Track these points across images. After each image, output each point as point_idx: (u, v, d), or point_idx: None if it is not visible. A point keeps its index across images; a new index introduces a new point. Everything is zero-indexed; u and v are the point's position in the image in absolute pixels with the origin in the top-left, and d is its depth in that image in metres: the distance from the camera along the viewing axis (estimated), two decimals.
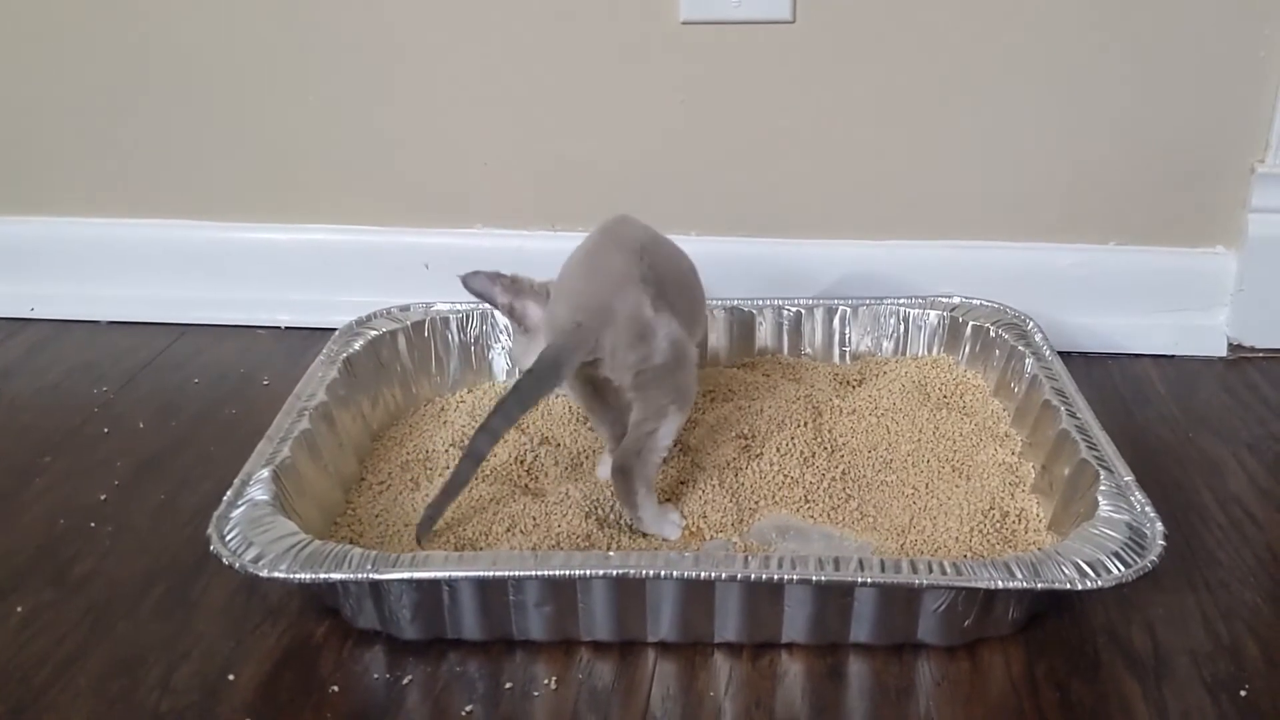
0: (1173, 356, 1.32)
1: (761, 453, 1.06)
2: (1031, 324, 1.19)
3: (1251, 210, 1.27)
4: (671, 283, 0.97)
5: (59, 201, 1.46)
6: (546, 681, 0.84)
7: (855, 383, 1.20)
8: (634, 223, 1.03)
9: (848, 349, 1.26)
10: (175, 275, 1.46)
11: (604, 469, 1.03)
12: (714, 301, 1.24)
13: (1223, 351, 1.32)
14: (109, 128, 1.41)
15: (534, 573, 0.82)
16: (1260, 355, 1.31)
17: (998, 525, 0.96)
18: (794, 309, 1.26)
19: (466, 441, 1.07)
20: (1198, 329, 1.32)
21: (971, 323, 1.21)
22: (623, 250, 0.96)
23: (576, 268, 1.00)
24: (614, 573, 0.82)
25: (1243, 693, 0.82)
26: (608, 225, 1.02)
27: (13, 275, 1.48)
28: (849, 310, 1.25)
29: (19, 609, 0.93)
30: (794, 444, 1.07)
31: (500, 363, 1.24)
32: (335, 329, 1.20)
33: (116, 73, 1.38)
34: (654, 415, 0.95)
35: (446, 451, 1.08)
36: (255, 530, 0.87)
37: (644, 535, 0.97)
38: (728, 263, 1.36)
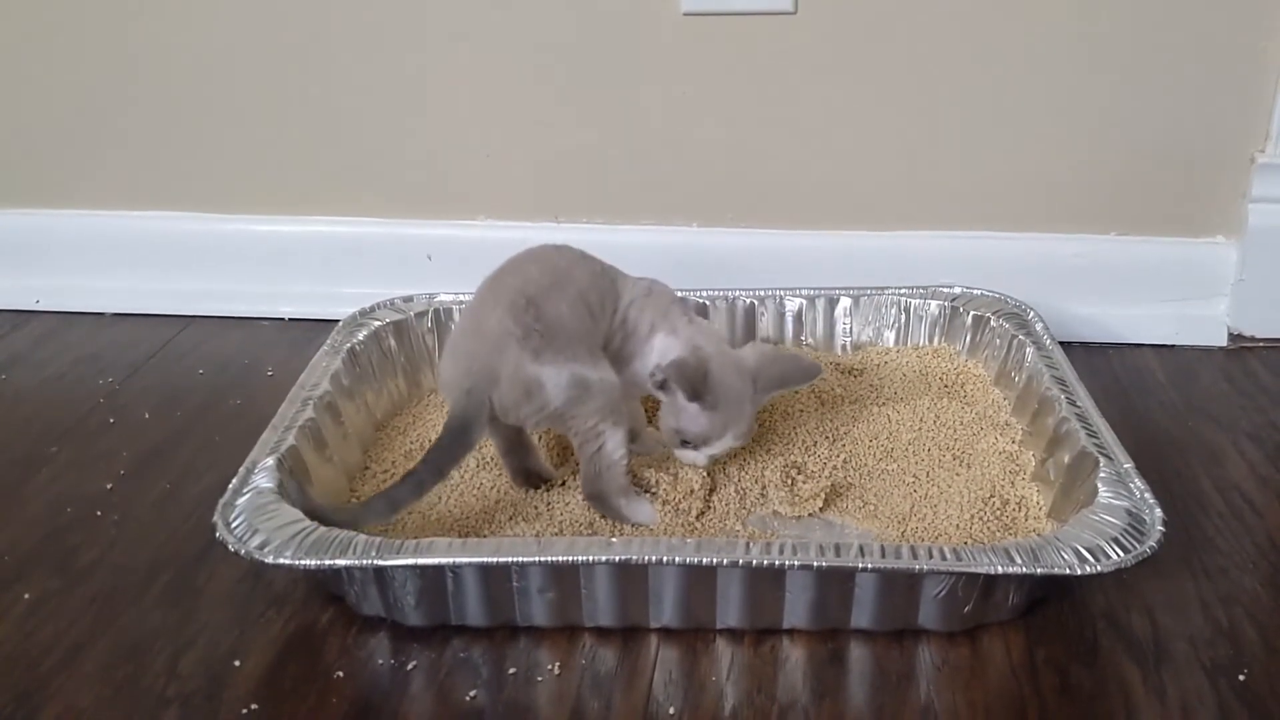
0: (1173, 346, 1.33)
1: (764, 441, 1.07)
2: (1032, 314, 1.19)
3: (1252, 200, 1.28)
4: (567, 327, 0.96)
5: (63, 195, 1.47)
6: (550, 667, 0.85)
7: (857, 372, 1.21)
8: (533, 262, 1.01)
9: (849, 339, 1.26)
10: (179, 267, 1.46)
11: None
12: (716, 293, 1.25)
13: (1223, 341, 1.32)
14: (112, 121, 1.42)
15: (537, 559, 0.83)
16: (1260, 345, 1.32)
17: (998, 513, 0.97)
18: (796, 299, 1.26)
19: None
20: (1198, 319, 1.33)
21: (972, 312, 1.22)
22: (503, 305, 0.95)
23: (464, 324, 1.02)
24: (616, 559, 0.82)
25: (1241, 677, 0.83)
26: (502, 269, 1.01)
27: (18, 268, 1.49)
28: (850, 300, 1.26)
29: (26, 596, 0.94)
30: (796, 433, 1.08)
31: None
32: (339, 320, 1.21)
33: (119, 66, 1.39)
34: (590, 438, 0.96)
35: None
36: (260, 517, 0.87)
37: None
38: (729, 254, 1.36)
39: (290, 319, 1.44)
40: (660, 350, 1.01)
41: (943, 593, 0.84)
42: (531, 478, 1.03)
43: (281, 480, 0.92)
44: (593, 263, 1.03)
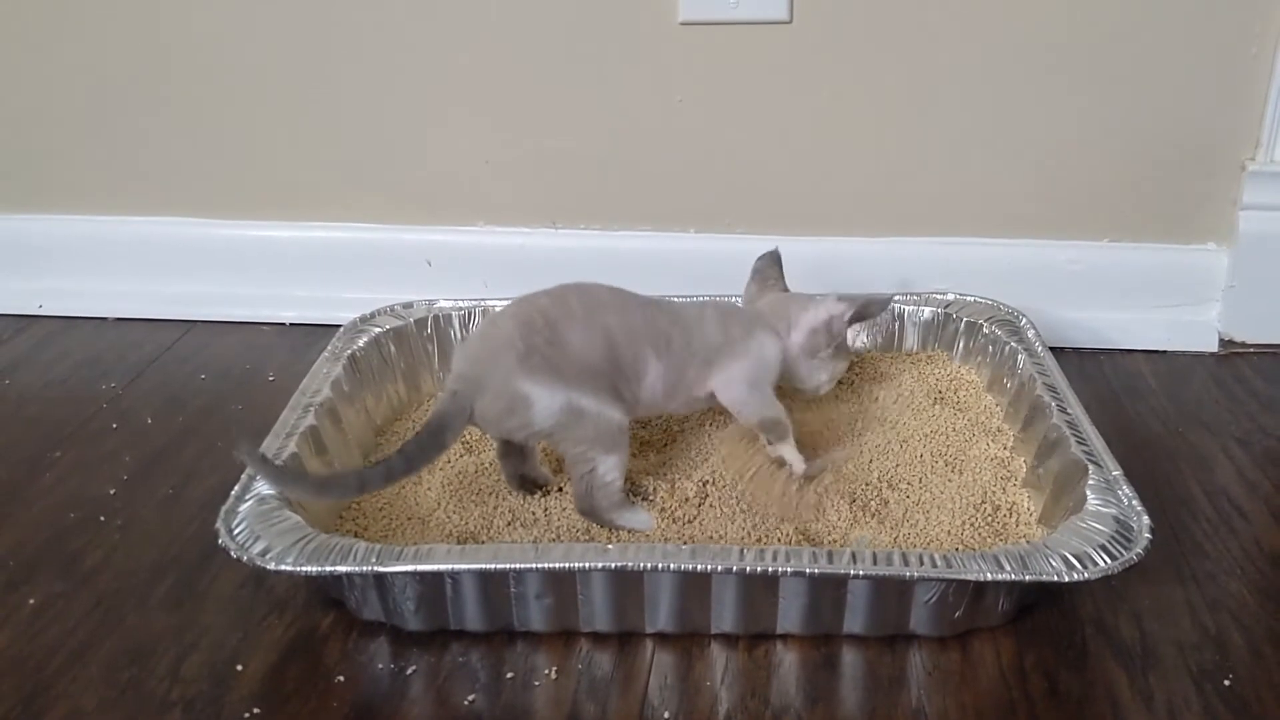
0: (1164, 352, 1.34)
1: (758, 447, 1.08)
2: (1024, 320, 1.20)
3: (1242, 207, 1.29)
4: (581, 358, 0.95)
5: (66, 199, 1.48)
6: (547, 671, 0.86)
7: (849, 378, 1.22)
8: (576, 292, 0.99)
9: None
10: (181, 272, 1.48)
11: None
12: (713, 298, 1.26)
13: (1214, 347, 1.34)
14: (115, 126, 1.43)
15: (535, 565, 0.84)
16: (1251, 350, 1.33)
17: (989, 519, 0.98)
18: None
19: (470, 438, 1.10)
20: (1189, 324, 1.34)
21: (965, 319, 1.23)
22: (515, 320, 0.95)
23: (480, 328, 1.02)
24: (613, 565, 0.83)
25: (1226, 682, 0.84)
26: (545, 289, 0.99)
27: (21, 272, 1.50)
28: None
29: (30, 600, 0.95)
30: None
31: None
32: (339, 325, 1.22)
33: (122, 72, 1.40)
34: (579, 461, 0.96)
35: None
36: (262, 524, 0.88)
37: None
38: (724, 260, 1.37)
39: (291, 324, 1.45)
40: (807, 318, 1.06)
41: (934, 599, 0.85)
42: (527, 483, 1.04)
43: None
44: (649, 308, 1.01)
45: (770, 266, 1.15)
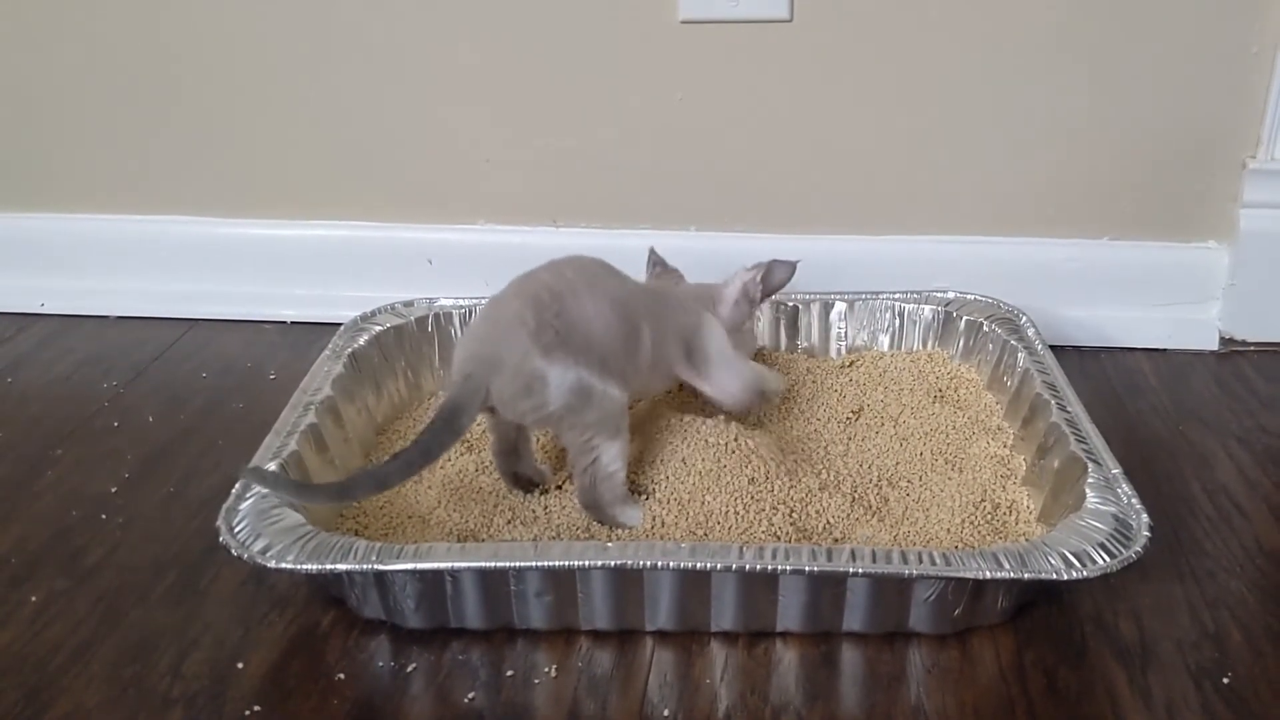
0: (1165, 350, 1.34)
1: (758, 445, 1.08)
2: (1024, 318, 1.20)
3: (1243, 205, 1.29)
4: (588, 332, 0.95)
5: (68, 198, 1.49)
6: (547, 669, 0.86)
7: (851, 376, 1.22)
8: (570, 265, 1.00)
9: (844, 343, 1.28)
10: (182, 270, 1.48)
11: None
12: None
13: (1214, 345, 1.33)
14: (116, 125, 1.43)
15: (534, 563, 0.84)
16: (1251, 348, 1.33)
17: (989, 517, 0.98)
18: (791, 303, 1.27)
19: (470, 436, 1.10)
20: (1190, 323, 1.34)
21: (965, 317, 1.23)
22: (522, 297, 0.95)
23: (484, 310, 1.00)
24: (612, 563, 0.84)
25: (1225, 680, 0.84)
26: (539, 266, 1.00)
27: (23, 271, 1.51)
28: (845, 305, 1.27)
29: (33, 598, 0.95)
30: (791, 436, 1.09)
31: None
32: (340, 324, 1.22)
33: (123, 70, 1.40)
34: (584, 450, 0.96)
35: None
36: (263, 522, 0.89)
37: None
38: (725, 258, 1.37)
39: (291, 322, 1.45)
40: (729, 291, 1.13)
41: (933, 596, 0.86)
42: (522, 481, 1.04)
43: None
44: (629, 279, 1.04)
45: (661, 263, 1.19)
